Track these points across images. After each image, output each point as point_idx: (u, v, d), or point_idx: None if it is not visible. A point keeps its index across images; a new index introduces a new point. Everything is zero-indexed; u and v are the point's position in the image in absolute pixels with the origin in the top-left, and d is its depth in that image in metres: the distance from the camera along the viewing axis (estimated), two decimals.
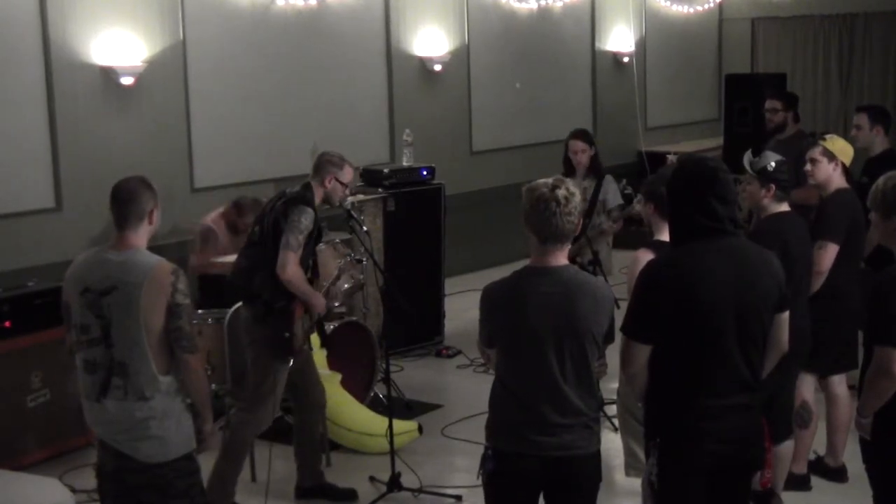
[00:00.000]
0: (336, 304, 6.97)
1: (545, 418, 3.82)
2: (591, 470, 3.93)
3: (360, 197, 8.09)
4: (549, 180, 3.88)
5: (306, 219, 5.40)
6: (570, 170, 7.35)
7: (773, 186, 5.03)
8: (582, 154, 7.34)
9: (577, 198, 3.85)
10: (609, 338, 3.91)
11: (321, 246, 6.13)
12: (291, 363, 5.55)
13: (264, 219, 5.52)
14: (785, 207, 5.12)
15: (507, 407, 3.91)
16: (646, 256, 4.52)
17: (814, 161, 5.72)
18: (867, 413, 4.15)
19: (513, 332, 3.87)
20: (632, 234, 7.85)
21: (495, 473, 3.91)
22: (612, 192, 7.38)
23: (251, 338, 5.56)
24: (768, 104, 8.21)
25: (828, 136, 5.87)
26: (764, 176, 5.03)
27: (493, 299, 3.94)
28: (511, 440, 3.87)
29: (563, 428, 3.83)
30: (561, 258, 3.88)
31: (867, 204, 4.44)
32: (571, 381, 3.82)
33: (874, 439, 4.17)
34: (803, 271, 5.15)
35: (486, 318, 3.97)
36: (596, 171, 7.37)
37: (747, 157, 5.14)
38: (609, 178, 7.42)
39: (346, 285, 6.54)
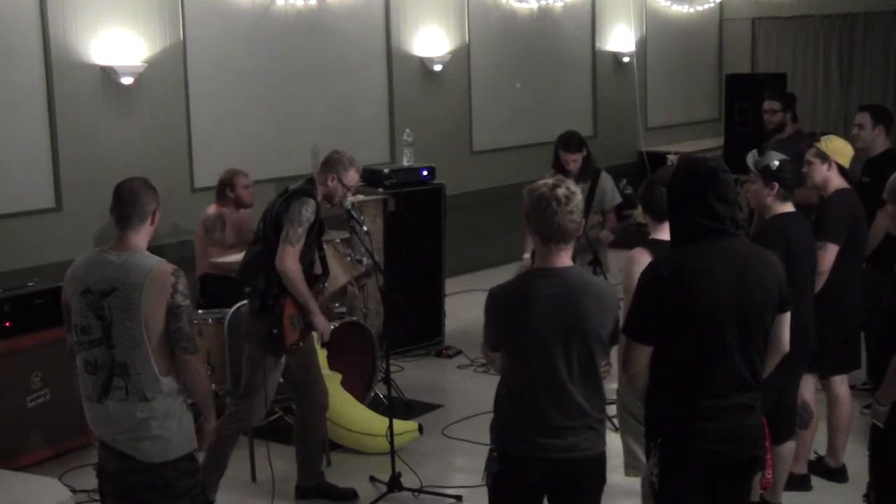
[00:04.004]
0: (337, 305, 7.00)
1: (551, 420, 3.81)
2: (595, 471, 3.92)
3: (360, 197, 8.09)
4: (550, 180, 3.86)
5: (307, 210, 5.38)
6: (561, 174, 7.22)
7: (776, 185, 5.02)
8: (574, 163, 7.18)
9: (579, 197, 3.83)
10: (613, 339, 3.90)
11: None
12: (284, 361, 5.55)
13: (267, 215, 5.53)
14: (790, 207, 5.10)
15: (513, 409, 3.89)
16: (641, 256, 4.52)
17: (808, 163, 5.74)
18: (886, 402, 4.17)
19: (518, 334, 3.84)
20: (630, 235, 7.83)
21: (500, 476, 3.90)
22: (609, 191, 7.29)
23: (247, 331, 5.60)
24: (767, 105, 8.21)
25: (824, 137, 5.88)
26: (767, 175, 5.02)
27: (497, 302, 3.91)
28: (516, 443, 3.85)
29: (569, 430, 3.81)
30: (565, 259, 3.86)
31: (884, 196, 4.47)
32: (578, 383, 3.81)
33: (888, 428, 4.21)
34: (808, 272, 5.14)
35: (491, 322, 3.94)
36: (588, 171, 7.20)
37: (751, 156, 5.13)
38: (605, 176, 7.31)
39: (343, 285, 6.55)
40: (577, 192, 3.85)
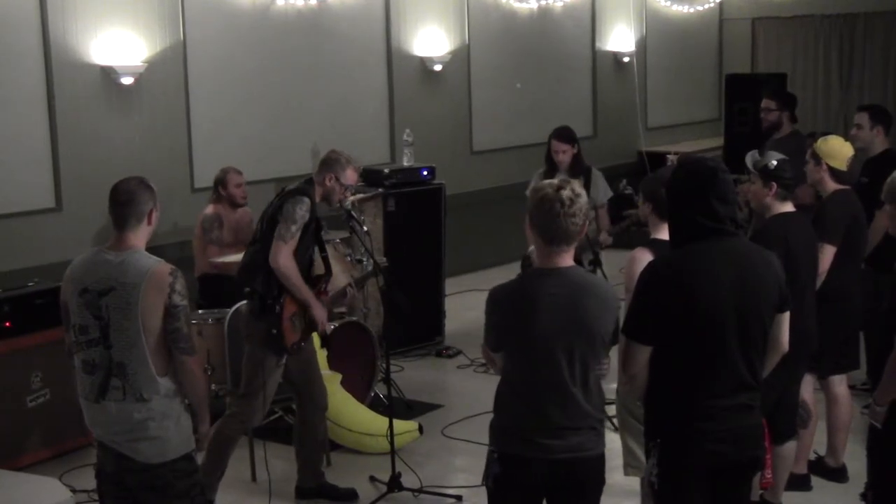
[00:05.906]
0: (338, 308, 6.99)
1: (552, 421, 3.81)
2: (596, 472, 3.92)
3: (360, 196, 8.09)
4: (555, 181, 3.87)
5: (301, 209, 5.38)
6: (552, 168, 7.32)
7: (774, 185, 5.02)
8: (563, 154, 7.29)
9: (583, 199, 3.82)
10: (614, 338, 3.89)
11: None
12: (285, 361, 5.55)
13: (264, 216, 5.53)
14: (789, 207, 5.10)
15: (514, 409, 3.89)
16: (643, 256, 4.51)
17: (806, 163, 5.76)
18: (883, 402, 4.17)
19: (521, 334, 3.84)
20: (631, 235, 7.83)
21: (501, 477, 3.89)
22: (601, 188, 7.38)
23: (247, 332, 5.60)
24: (763, 104, 8.21)
25: (822, 138, 5.88)
26: (765, 174, 5.02)
27: (499, 302, 3.91)
28: (518, 443, 3.85)
29: (571, 430, 3.81)
30: (567, 259, 3.86)
31: (882, 197, 4.47)
32: (580, 383, 3.81)
33: (885, 429, 4.22)
34: (808, 272, 5.14)
35: (492, 322, 3.94)
36: (579, 169, 7.29)
37: (751, 155, 5.14)
38: (597, 173, 7.40)
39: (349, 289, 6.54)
40: (583, 193, 3.85)
